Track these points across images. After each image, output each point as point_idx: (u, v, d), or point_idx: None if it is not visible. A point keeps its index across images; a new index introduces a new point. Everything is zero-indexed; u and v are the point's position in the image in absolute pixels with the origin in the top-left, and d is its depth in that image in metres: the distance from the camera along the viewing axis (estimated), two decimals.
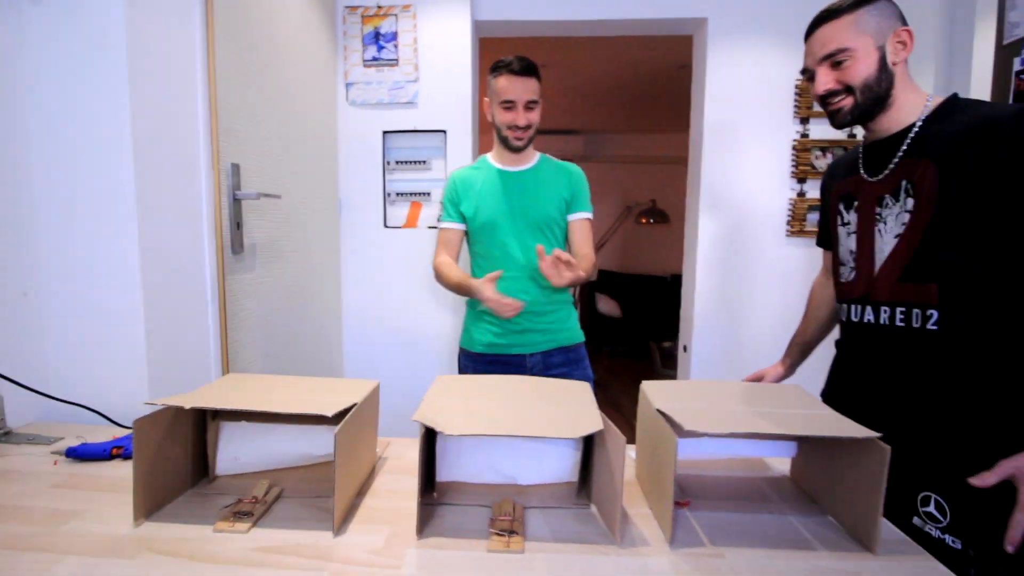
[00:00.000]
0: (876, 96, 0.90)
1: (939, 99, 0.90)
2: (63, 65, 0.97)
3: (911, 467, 0.85)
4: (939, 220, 0.84)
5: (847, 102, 0.92)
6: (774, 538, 0.64)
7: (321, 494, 0.72)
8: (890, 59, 0.89)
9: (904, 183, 0.89)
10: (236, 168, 1.25)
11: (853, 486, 0.64)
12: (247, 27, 1.32)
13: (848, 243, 1.00)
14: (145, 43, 1.02)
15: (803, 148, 1.99)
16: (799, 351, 1.19)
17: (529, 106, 1.34)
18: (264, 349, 1.41)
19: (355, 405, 0.69)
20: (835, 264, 1.04)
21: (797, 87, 1.98)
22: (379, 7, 1.95)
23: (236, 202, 1.26)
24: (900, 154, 0.90)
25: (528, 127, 1.35)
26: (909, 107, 0.91)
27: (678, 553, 0.60)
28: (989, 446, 0.80)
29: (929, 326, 0.85)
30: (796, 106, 1.98)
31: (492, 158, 1.45)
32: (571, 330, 1.46)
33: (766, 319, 2.10)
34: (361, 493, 0.74)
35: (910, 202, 0.88)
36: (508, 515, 0.66)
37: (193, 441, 0.75)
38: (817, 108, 1.96)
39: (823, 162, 1.99)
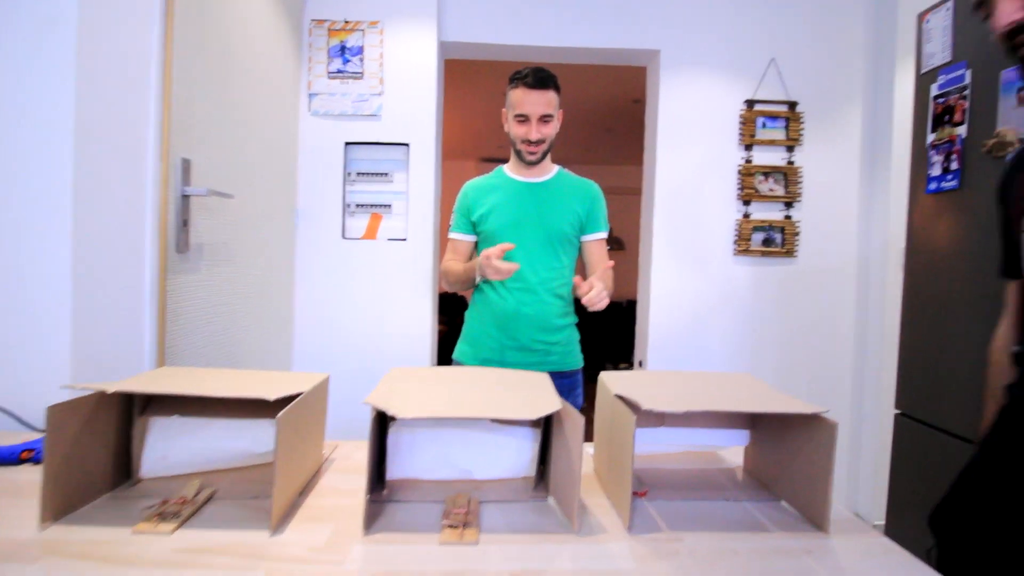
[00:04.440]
0: None
1: None
2: (4, 38, 0.90)
3: None
4: None
5: None
6: (730, 522, 0.63)
7: (259, 495, 0.66)
8: None
9: None
10: (186, 163, 1.19)
11: (804, 468, 0.64)
12: (209, 23, 1.28)
13: None
14: (98, 24, 0.96)
15: (747, 172, 2.09)
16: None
17: (544, 119, 1.29)
18: (205, 355, 1.31)
19: (301, 394, 0.64)
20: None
21: (741, 116, 2.10)
22: (346, 22, 1.95)
23: (184, 198, 1.19)
24: None
25: (541, 141, 1.31)
26: None
27: (636, 539, 0.58)
28: None
29: None
30: (740, 134, 2.10)
31: (508, 169, 1.41)
32: (571, 355, 1.41)
33: (715, 333, 2.16)
34: (304, 492, 0.68)
35: None
36: (462, 508, 0.62)
37: (116, 438, 0.67)
38: (759, 135, 2.08)
39: (765, 186, 2.10)
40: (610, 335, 4.86)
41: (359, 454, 0.83)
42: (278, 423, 0.56)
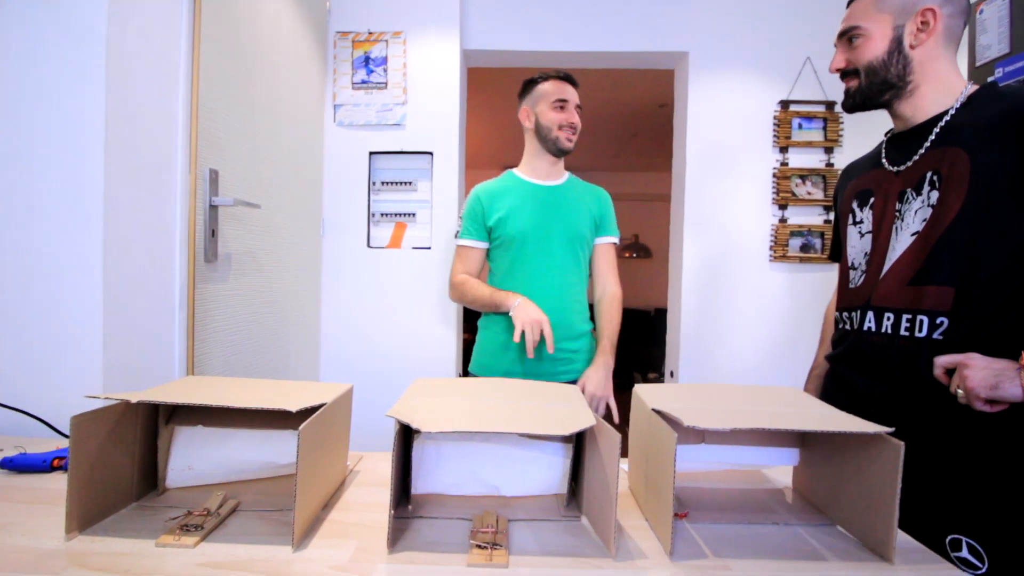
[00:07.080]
0: (884, 81, 0.83)
1: (976, 87, 0.80)
2: (36, 54, 0.94)
3: (931, 505, 0.74)
4: (966, 215, 0.73)
5: (852, 84, 0.87)
6: (781, 548, 0.58)
7: (283, 507, 0.65)
8: (907, 42, 0.80)
9: (929, 174, 0.78)
10: (214, 174, 1.21)
11: (863, 491, 0.59)
12: (235, 37, 1.31)
13: (862, 245, 0.89)
14: (126, 39, 0.99)
15: (783, 176, 2.03)
16: (820, 383, 1.03)
17: (577, 108, 1.34)
18: (233, 363, 1.33)
19: (323, 405, 0.63)
20: (843, 270, 0.93)
21: (775, 117, 2.04)
22: (370, 32, 1.98)
23: (212, 209, 1.21)
24: (928, 144, 0.79)
25: (577, 129, 1.34)
26: (938, 94, 0.81)
27: (679, 566, 0.54)
28: (1017, 474, 0.70)
29: (936, 335, 0.75)
30: (775, 136, 2.04)
31: (521, 172, 1.40)
32: (591, 361, 1.36)
33: (750, 343, 2.08)
34: (328, 507, 0.67)
35: (934, 195, 0.77)
36: (491, 527, 0.59)
37: (142, 447, 0.67)
38: (795, 137, 2.01)
39: (803, 189, 2.03)
40: (638, 344, 4.77)
41: (384, 466, 0.81)
42: (300, 436, 0.55)
